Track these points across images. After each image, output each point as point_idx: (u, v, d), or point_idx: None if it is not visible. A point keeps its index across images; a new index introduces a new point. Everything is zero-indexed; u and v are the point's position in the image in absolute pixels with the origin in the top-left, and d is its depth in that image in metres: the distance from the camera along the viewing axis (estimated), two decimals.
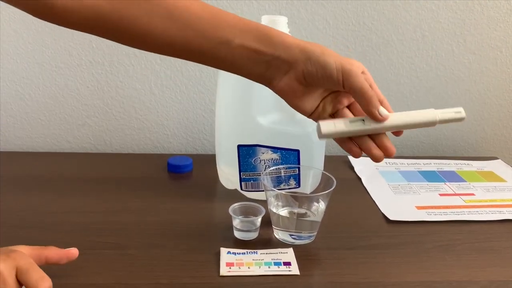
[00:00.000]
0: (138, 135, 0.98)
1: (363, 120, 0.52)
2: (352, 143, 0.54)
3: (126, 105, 0.96)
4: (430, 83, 0.99)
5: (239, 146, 0.72)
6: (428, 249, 0.65)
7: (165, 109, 0.96)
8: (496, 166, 0.95)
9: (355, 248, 0.64)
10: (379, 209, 0.75)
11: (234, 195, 0.76)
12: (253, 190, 0.75)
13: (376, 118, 0.52)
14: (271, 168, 0.70)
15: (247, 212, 0.67)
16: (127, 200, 0.75)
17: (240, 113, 0.73)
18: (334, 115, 0.55)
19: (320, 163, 0.77)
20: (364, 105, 0.51)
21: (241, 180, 0.74)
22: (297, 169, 0.72)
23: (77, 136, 0.97)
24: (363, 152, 0.54)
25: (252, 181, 0.74)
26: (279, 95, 0.53)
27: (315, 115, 0.54)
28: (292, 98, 0.53)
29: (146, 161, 0.90)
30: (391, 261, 0.62)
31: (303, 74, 0.50)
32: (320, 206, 0.66)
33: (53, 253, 0.52)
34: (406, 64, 0.97)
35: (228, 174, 0.77)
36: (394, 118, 0.53)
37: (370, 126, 0.52)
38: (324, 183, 0.67)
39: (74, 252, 0.53)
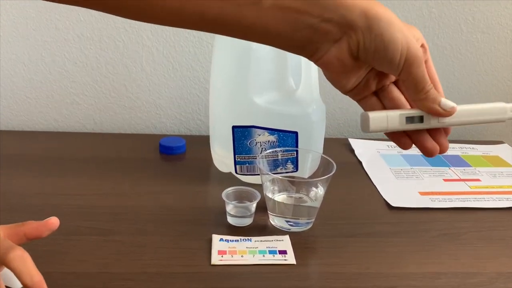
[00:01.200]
0: (129, 114, 0.94)
1: (422, 117, 0.43)
2: (402, 133, 0.44)
3: (116, 83, 0.91)
4: (436, 63, 0.93)
5: (233, 128, 0.68)
6: (432, 237, 0.61)
7: (157, 87, 0.92)
8: (502, 150, 0.92)
9: (355, 236, 0.61)
10: (380, 194, 0.72)
11: (228, 179, 0.72)
12: (248, 173, 0.71)
13: (439, 114, 0.42)
14: (268, 151, 0.66)
15: (241, 197, 0.63)
16: (116, 182, 0.71)
17: (235, 92, 0.68)
18: (378, 92, 0.44)
19: (319, 146, 0.73)
20: (422, 100, 0.42)
21: (235, 163, 0.70)
22: (295, 152, 0.68)
23: (65, 114, 0.93)
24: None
25: (247, 164, 0.70)
26: (321, 68, 0.42)
27: (355, 92, 0.43)
28: (337, 73, 0.41)
29: (137, 142, 0.86)
30: (393, 250, 0.58)
31: (358, 46, 0.39)
32: (319, 191, 0.62)
33: (31, 227, 0.47)
34: None
35: (222, 157, 0.73)
36: (458, 113, 0.43)
37: (430, 124, 0.43)
38: (324, 167, 0.63)
39: (54, 221, 0.48)
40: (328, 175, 0.59)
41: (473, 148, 0.92)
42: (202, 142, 0.81)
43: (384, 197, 0.71)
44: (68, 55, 0.88)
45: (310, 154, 0.67)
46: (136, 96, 0.92)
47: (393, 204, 0.69)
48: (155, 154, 0.81)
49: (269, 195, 0.62)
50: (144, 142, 0.85)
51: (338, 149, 0.88)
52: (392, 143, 0.93)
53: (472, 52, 0.94)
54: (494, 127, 1.01)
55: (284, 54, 0.67)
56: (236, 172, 0.71)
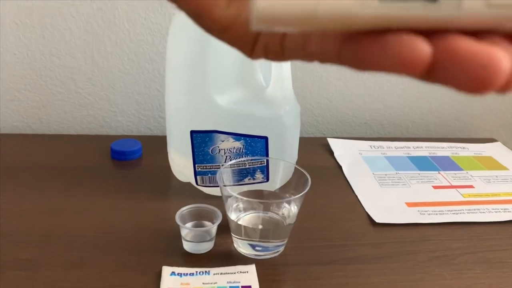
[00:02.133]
0: (80, 113, 0.82)
1: None
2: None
3: (63, 77, 0.80)
4: None
5: (192, 132, 0.58)
6: (422, 262, 0.53)
7: (110, 81, 0.81)
8: (495, 150, 0.83)
9: (334, 262, 0.52)
10: (363, 207, 0.63)
11: (189, 191, 0.62)
12: (211, 185, 0.61)
13: None
14: (232, 162, 0.57)
15: (200, 217, 0.54)
16: (56, 196, 0.60)
17: (193, 90, 0.58)
18: None
19: (293, 153, 0.64)
20: None
21: (195, 173, 0.60)
22: (265, 161, 0.58)
23: (6, 113, 0.81)
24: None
25: (210, 175, 0.60)
26: None
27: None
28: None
29: (88, 144, 0.76)
30: (378, 280, 0.49)
31: None
32: (292, 209, 0.53)
33: None
34: None
35: (180, 166, 0.63)
36: None
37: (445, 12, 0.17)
38: (297, 179, 0.54)
39: None
40: (301, 194, 0.50)
41: (463, 148, 0.83)
42: (163, 144, 0.70)
43: (367, 210, 0.62)
44: (5, 44, 0.77)
45: (282, 163, 0.58)
46: (87, 92, 0.81)
47: (377, 220, 0.60)
48: (105, 160, 0.71)
49: (232, 216, 0.52)
50: (95, 145, 0.75)
51: (315, 151, 0.78)
52: (375, 143, 0.85)
53: None
54: (485, 122, 0.93)
55: None
56: (197, 184, 0.62)
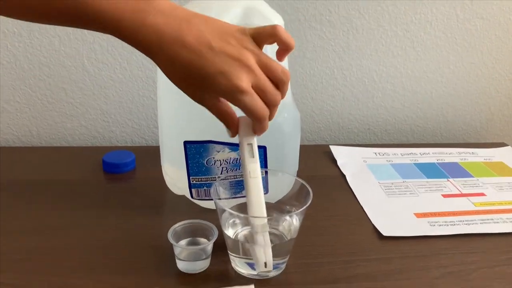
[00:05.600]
0: (72, 123, 0.79)
1: None
2: None
3: (53, 87, 0.77)
4: (428, 54, 0.82)
5: (186, 143, 0.54)
6: (435, 279, 0.49)
7: (103, 90, 0.78)
8: (506, 155, 0.80)
9: (339, 280, 0.48)
10: (369, 219, 0.59)
11: (184, 205, 0.59)
12: (207, 198, 0.58)
13: None
14: (227, 173, 0.53)
15: (195, 233, 0.50)
16: (44, 214, 0.57)
17: (186, 97, 0.54)
18: None
19: (293, 162, 0.60)
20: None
21: (190, 186, 0.57)
22: (263, 172, 0.54)
23: None
24: None
25: (205, 187, 0.57)
26: None
27: None
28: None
29: (80, 157, 0.72)
30: None
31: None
32: (294, 222, 0.49)
33: None
34: (400, 32, 0.79)
35: (174, 178, 0.60)
36: None
37: None
38: (298, 191, 0.50)
39: None
40: (303, 207, 0.46)
41: (472, 153, 0.80)
42: (158, 154, 0.67)
43: (373, 222, 0.58)
44: None
45: (282, 174, 0.54)
46: (79, 102, 0.78)
47: (385, 233, 0.56)
48: (97, 173, 0.67)
49: (229, 232, 0.48)
50: (87, 157, 0.71)
51: (317, 159, 0.75)
52: (380, 150, 0.81)
53: (470, 42, 0.82)
54: (494, 126, 0.89)
55: None
56: (192, 197, 0.58)
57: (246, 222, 0.49)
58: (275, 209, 0.52)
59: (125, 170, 0.67)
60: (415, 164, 0.75)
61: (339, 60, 0.80)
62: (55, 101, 0.77)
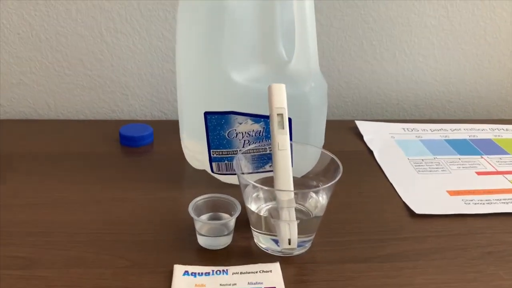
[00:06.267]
0: (90, 96, 0.77)
1: None
2: None
3: (71, 58, 0.74)
4: (464, 25, 0.77)
5: (206, 114, 0.52)
6: (473, 259, 0.46)
7: (121, 62, 0.75)
8: None
9: (369, 260, 0.45)
10: (399, 196, 0.56)
11: (204, 180, 0.56)
12: (228, 173, 0.55)
13: None
14: (250, 146, 0.50)
15: (217, 208, 0.48)
16: (60, 187, 0.55)
17: (206, 66, 0.52)
18: None
19: (319, 135, 0.57)
20: None
21: (211, 160, 0.54)
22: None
23: (12, 98, 0.76)
24: None
25: (226, 161, 0.54)
26: None
27: None
28: None
29: (98, 130, 0.70)
30: (422, 281, 0.42)
31: None
32: (320, 199, 0.46)
33: None
34: (415, 17, 0.75)
35: (194, 152, 0.57)
36: None
37: None
38: (326, 165, 0.47)
39: None
40: (332, 182, 0.43)
41: (507, 129, 0.75)
42: (177, 128, 0.64)
43: (404, 200, 0.55)
44: (8, 23, 0.71)
45: (308, 148, 0.51)
46: (97, 74, 0.75)
47: (417, 211, 0.53)
48: (115, 147, 0.65)
49: (252, 207, 0.46)
50: (105, 130, 0.69)
51: (343, 135, 0.71)
52: (408, 125, 0.77)
53: (509, 12, 0.76)
54: None
55: (271, 13, 0.50)
56: (212, 171, 0.56)
57: (271, 197, 0.46)
58: (302, 184, 0.49)
59: (142, 143, 0.65)
60: (446, 140, 0.71)
61: (369, 30, 0.75)
62: (72, 73, 0.75)
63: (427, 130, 0.74)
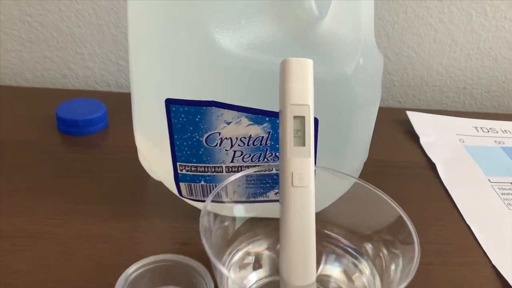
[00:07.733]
0: (31, 54, 0.55)
1: None
2: None
3: None
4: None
5: (169, 103, 0.29)
6: None
7: (73, 6, 0.52)
8: None
9: None
10: (486, 256, 0.34)
11: (171, 200, 0.35)
12: (203, 200, 0.33)
13: None
14: (249, 171, 0.28)
15: (167, 281, 0.26)
16: None
17: (177, 22, 0.28)
18: None
19: (364, 145, 0.34)
20: None
21: (177, 178, 0.32)
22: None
23: None
24: None
25: (203, 182, 0.32)
26: None
27: None
28: None
29: (34, 104, 0.49)
30: None
31: None
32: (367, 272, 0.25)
33: None
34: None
35: (150, 162, 0.35)
36: None
37: None
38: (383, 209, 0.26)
39: None
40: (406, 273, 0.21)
41: None
42: None
43: (495, 265, 0.33)
44: None
45: (340, 179, 0.29)
46: (39, 21, 0.53)
47: None
48: (50, 133, 0.44)
49: (234, 275, 0.24)
50: (49, 105, 0.47)
51: (388, 133, 0.49)
52: (483, 122, 0.54)
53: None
54: None
55: None
56: (180, 195, 0.34)
57: (271, 272, 0.25)
58: (325, 236, 0.28)
59: (88, 131, 0.43)
60: None
61: None
62: (4, 18, 0.53)
63: (509, 132, 0.51)
